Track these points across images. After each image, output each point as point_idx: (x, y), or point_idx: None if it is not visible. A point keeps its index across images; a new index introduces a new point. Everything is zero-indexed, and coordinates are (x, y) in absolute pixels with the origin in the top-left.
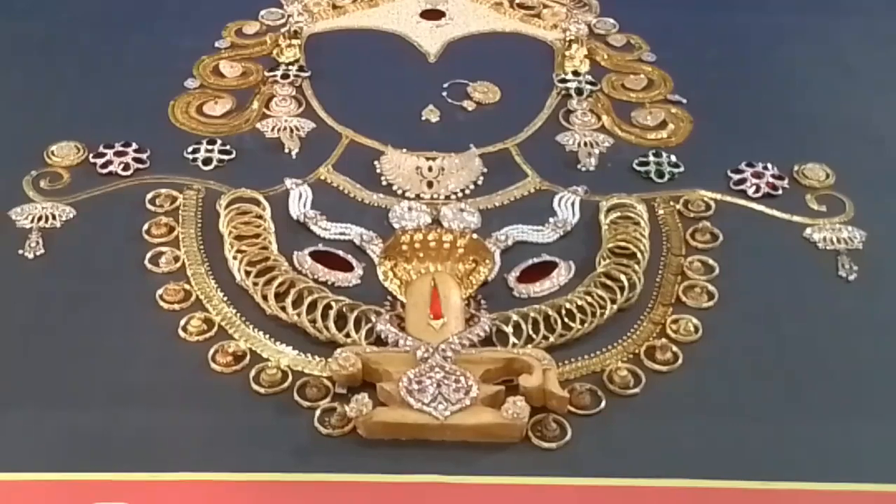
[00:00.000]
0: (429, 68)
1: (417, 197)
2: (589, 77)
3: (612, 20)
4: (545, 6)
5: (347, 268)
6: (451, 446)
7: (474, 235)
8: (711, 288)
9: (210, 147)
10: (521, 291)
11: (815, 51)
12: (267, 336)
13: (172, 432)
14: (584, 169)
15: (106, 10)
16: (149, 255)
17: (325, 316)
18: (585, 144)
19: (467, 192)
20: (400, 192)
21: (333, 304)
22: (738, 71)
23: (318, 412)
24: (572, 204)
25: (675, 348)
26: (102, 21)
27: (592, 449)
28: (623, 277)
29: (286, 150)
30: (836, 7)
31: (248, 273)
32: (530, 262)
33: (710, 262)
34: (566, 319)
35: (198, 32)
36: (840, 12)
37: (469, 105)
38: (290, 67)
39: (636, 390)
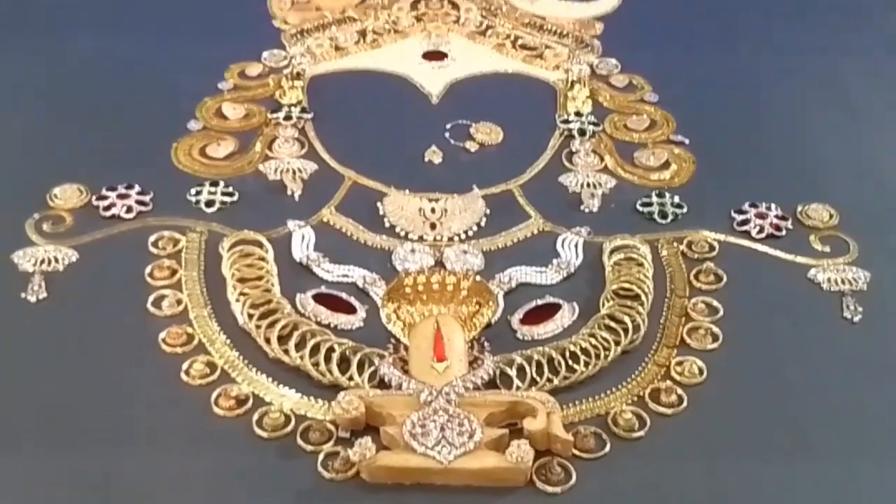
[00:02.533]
0: (431, 109)
1: (420, 238)
2: (591, 118)
3: (614, 60)
4: (547, 47)
5: (350, 310)
6: (455, 490)
7: (477, 277)
8: (716, 329)
9: (213, 189)
10: (524, 334)
11: (819, 91)
12: (270, 379)
13: (175, 477)
14: (587, 210)
15: (109, 51)
16: (151, 298)
17: (328, 359)
18: (588, 185)
19: (470, 233)
20: (403, 233)
21: (336, 346)
22: (741, 111)
23: (321, 456)
24: (576, 245)
25: (679, 391)
26: (105, 63)
27: (597, 493)
28: (627, 319)
29: (289, 192)
30: (839, 47)
31: (250, 316)
32: (534, 303)
33: (715, 303)
34: (570, 362)
35: (201, 74)
36: (844, 52)
37: (472, 146)
38: (293, 109)
39: (641, 433)
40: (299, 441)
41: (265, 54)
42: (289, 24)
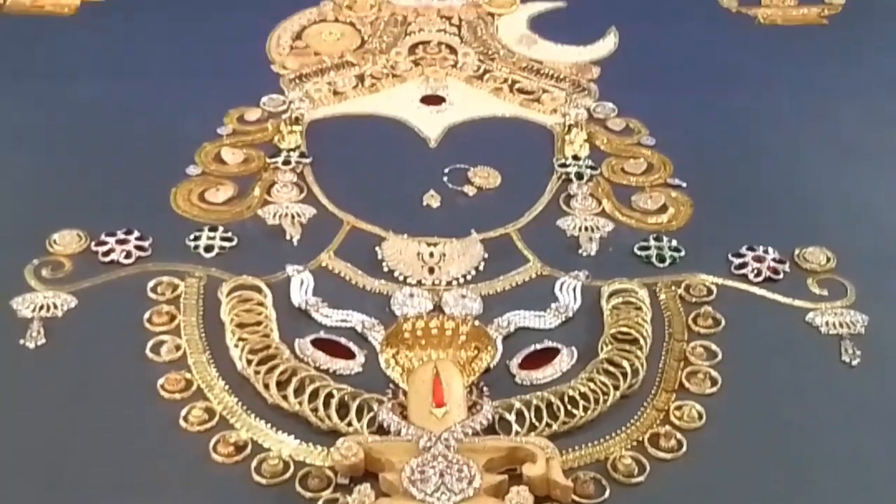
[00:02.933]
0: (429, 153)
1: (419, 283)
2: (589, 161)
3: (611, 104)
4: (544, 91)
5: (349, 355)
6: None
7: (476, 322)
8: (714, 374)
9: (212, 234)
10: (523, 378)
11: (816, 133)
12: (268, 425)
13: None
14: (585, 254)
15: (107, 97)
16: (150, 343)
17: (326, 405)
18: (586, 229)
19: (469, 277)
20: (401, 278)
21: (335, 392)
22: (738, 154)
23: (320, 503)
24: (574, 289)
25: (679, 435)
26: (104, 108)
27: None
28: (626, 364)
29: (287, 237)
30: (835, 89)
31: (249, 361)
32: (532, 348)
33: (713, 347)
34: (569, 407)
35: (200, 119)
36: (839, 94)
37: (470, 190)
38: (292, 154)
39: (641, 479)
40: (298, 488)
41: (264, 99)
42: (287, 68)
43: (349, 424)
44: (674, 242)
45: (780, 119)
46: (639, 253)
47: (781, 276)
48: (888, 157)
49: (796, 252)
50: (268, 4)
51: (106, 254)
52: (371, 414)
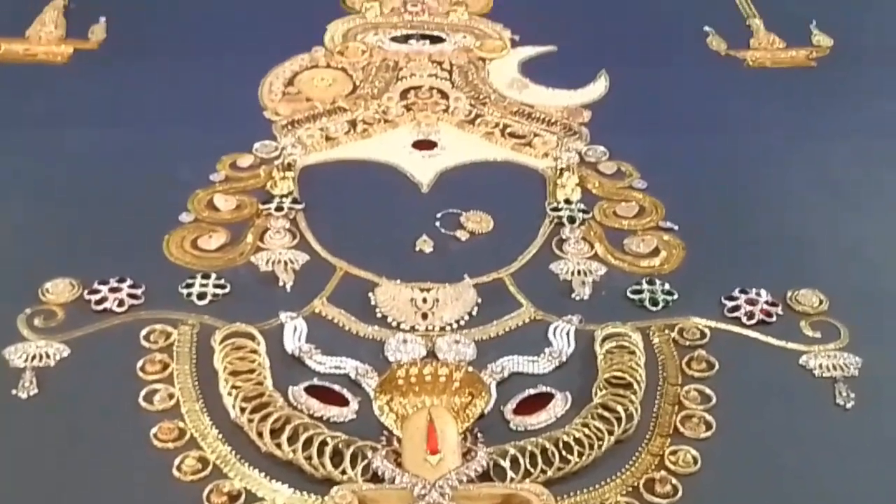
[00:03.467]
0: (422, 199)
1: (412, 329)
2: (581, 205)
3: (602, 147)
4: (536, 135)
5: (343, 402)
6: None
7: (470, 368)
8: (709, 418)
9: (204, 282)
10: (517, 424)
11: (806, 175)
12: (262, 474)
13: None
14: (578, 298)
15: (100, 145)
16: (143, 392)
17: (320, 453)
18: (579, 273)
19: (462, 322)
20: (395, 323)
21: (329, 440)
22: (730, 196)
23: None
24: (567, 334)
25: (674, 480)
26: (97, 156)
27: None
28: (620, 409)
29: (280, 284)
30: (824, 131)
31: (243, 410)
32: (526, 393)
33: (707, 391)
34: (564, 452)
35: (192, 166)
36: (829, 136)
37: (462, 235)
38: (284, 200)
39: None
40: None
41: (256, 145)
42: (280, 115)
43: (343, 472)
44: (666, 286)
45: (770, 161)
46: (632, 296)
47: (774, 318)
48: (878, 198)
49: (789, 294)
50: (260, 51)
51: (99, 302)
52: (365, 462)
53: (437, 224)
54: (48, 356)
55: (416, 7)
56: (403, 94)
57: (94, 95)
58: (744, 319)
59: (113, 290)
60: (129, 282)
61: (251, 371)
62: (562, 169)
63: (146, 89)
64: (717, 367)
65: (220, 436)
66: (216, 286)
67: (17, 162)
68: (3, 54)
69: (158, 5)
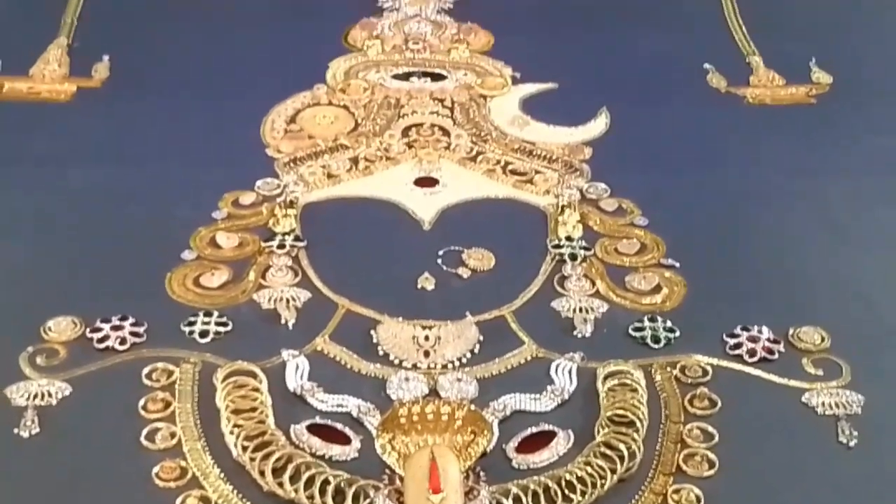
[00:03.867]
0: (423, 236)
1: (414, 367)
2: (582, 242)
3: (603, 185)
4: (537, 172)
5: (345, 441)
6: None
7: (472, 406)
8: (712, 456)
9: (207, 319)
10: (520, 462)
11: (806, 212)
12: None
13: None
14: (580, 335)
15: (103, 182)
16: (145, 431)
17: (322, 492)
18: (581, 310)
19: (464, 360)
20: (397, 361)
21: (331, 479)
22: (730, 233)
23: None
24: (569, 371)
25: None
26: (100, 194)
27: None
28: (622, 447)
29: (283, 321)
30: (824, 168)
31: (245, 448)
32: (529, 431)
33: (710, 429)
34: (566, 491)
35: (195, 203)
36: (829, 173)
37: (464, 272)
38: (286, 237)
39: None
40: None
41: (259, 183)
42: (282, 152)
43: None
44: (668, 323)
45: (771, 198)
46: (633, 334)
47: (776, 356)
48: (877, 236)
49: (790, 331)
50: (262, 89)
51: (101, 340)
52: (368, 500)
53: (439, 261)
54: (50, 395)
55: (417, 45)
56: (405, 131)
57: (97, 133)
58: (746, 357)
59: (115, 328)
60: (131, 320)
61: (253, 409)
62: (563, 206)
63: (149, 127)
64: (719, 404)
65: (222, 475)
66: (218, 324)
67: (20, 199)
68: (6, 93)
69: (161, 44)
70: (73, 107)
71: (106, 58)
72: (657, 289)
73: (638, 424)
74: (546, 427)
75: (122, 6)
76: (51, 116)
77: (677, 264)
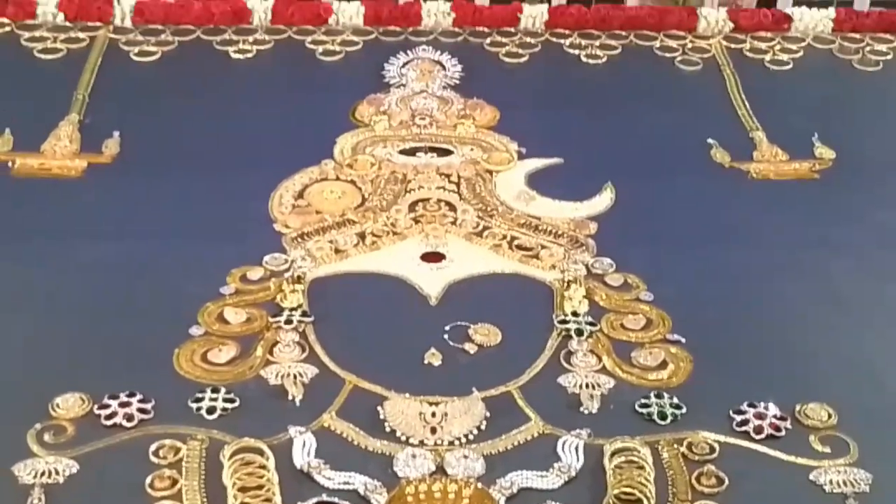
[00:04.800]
0: (430, 311)
1: (421, 443)
2: (588, 317)
3: (608, 260)
4: (543, 247)
5: None
6: None
7: (479, 484)
8: None
9: (214, 396)
10: None
11: (810, 287)
12: None
13: None
14: (586, 411)
15: (112, 258)
16: None
17: None
18: (587, 386)
19: (471, 437)
20: (404, 438)
21: None
22: (735, 308)
23: None
24: (576, 448)
25: None
26: (109, 269)
27: None
28: None
29: (290, 397)
30: (828, 243)
31: None
32: None
33: None
34: None
35: (203, 279)
36: (832, 248)
37: (471, 348)
38: (294, 313)
39: None
40: None
41: (266, 258)
42: (289, 227)
43: None
44: (675, 399)
45: (775, 273)
46: (640, 410)
47: (783, 432)
48: (882, 311)
49: (797, 408)
50: (270, 164)
51: (108, 417)
52: None
53: (446, 336)
54: (57, 472)
55: (424, 120)
56: (412, 206)
57: (106, 209)
58: (753, 434)
59: (123, 404)
60: (138, 396)
61: (260, 487)
62: (569, 281)
63: (158, 202)
64: (726, 482)
65: None
66: (225, 400)
67: (29, 274)
68: (18, 168)
69: (171, 121)
70: (84, 182)
71: (116, 134)
72: (663, 364)
73: (645, 502)
74: None
75: (133, 83)
76: (61, 192)
77: (683, 340)
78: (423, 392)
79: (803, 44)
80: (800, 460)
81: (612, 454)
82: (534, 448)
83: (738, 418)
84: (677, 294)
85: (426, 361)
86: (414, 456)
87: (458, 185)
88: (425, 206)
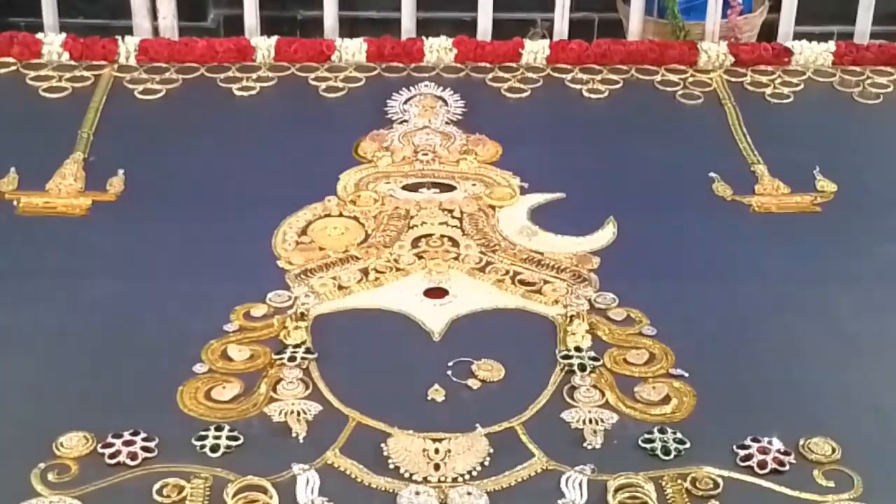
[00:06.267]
0: (433, 347)
1: (425, 480)
2: (591, 352)
3: (611, 294)
4: (546, 282)
5: None
6: None
7: None
8: None
9: (218, 434)
10: None
11: (813, 321)
12: None
13: None
14: (590, 447)
15: (116, 296)
16: None
17: None
18: (590, 421)
19: (474, 473)
20: (407, 475)
21: None
22: (739, 342)
23: None
24: (580, 484)
25: None
26: (112, 307)
27: None
28: None
29: (293, 435)
30: (830, 277)
31: None
32: None
33: None
34: None
35: (206, 316)
36: (835, 282)
37: (474, 384)
38: (297, 350)
39: None
40: None
41: (270, 295)
42: (293, 264)
43: None
44: (678, 434)
45: (778, 307)
46: (644, 445)
47: (787, 467)
48: (885, 345)
49: (801, 442)
50: (273, 201)
51: (112, 456)
52: None
53: (449, 373)
54: None
55: (426, 156)
56: (415, 242)
57: (110, 247)
58: (756, 468)
59: (126, 443)
60: (142, 434)
61: None
62: (572, 316)
63: (162, 240)
64: None
65: None
66: (229, 438)
67: (33, 312)
68: (23, 207)
69: (175, 158)
70: (88, 221)
71: (121, 172)
72: (666, 399)
73: None
74: None
75: (138, 121)
76: (66, 230)
77: (686, 374)
78: (426, 428)
79: (804, 77)
80: (804, 495)
81: (616, 490)
82: (537, 484)
83: (742, 453)
84: (680, 328)
85: (429, 398)
86: (417, 493)
87: (460, 220)
88: (428, 242)
